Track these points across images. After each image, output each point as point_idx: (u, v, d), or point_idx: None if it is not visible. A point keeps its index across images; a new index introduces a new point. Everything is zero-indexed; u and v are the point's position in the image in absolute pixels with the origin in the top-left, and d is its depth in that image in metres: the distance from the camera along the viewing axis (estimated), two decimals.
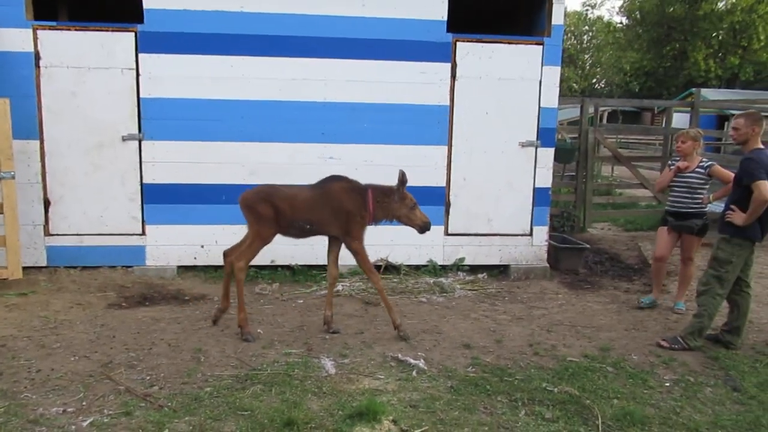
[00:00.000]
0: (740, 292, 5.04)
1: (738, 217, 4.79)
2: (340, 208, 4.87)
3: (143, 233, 6.59)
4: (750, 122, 4.82)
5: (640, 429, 3.64)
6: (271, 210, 4.82)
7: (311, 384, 4.05)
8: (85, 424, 3.49)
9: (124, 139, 6.43)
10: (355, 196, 4.91)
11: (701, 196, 5.80)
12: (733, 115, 21.01)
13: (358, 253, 4.99)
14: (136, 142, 6.45)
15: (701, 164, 5.78)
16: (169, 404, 3.73)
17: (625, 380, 4.33)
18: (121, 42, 6.31)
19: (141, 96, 6.40)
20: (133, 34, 6.31)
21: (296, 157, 6.65)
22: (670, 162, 6.12)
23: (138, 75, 6.37)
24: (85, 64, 6.29)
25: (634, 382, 4.31)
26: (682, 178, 5.83)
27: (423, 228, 4.99)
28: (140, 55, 6.34)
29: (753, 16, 30.45)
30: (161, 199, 6.56)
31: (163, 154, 6.48)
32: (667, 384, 4.33)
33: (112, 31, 6.30)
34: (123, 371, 4.19)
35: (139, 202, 6.55)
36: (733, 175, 5.63)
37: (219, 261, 6.65)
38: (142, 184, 6.52)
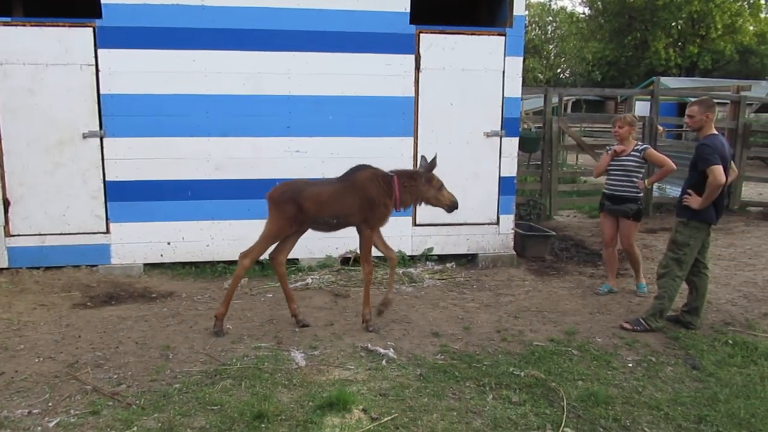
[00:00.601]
0: (698, 273, 5.19)
1: (694, 201, 4.93)
2: (365, 196, 4.87)
3: (107, 231, 6.49)
4: (703, 109, 4.96)
5: (604, 409, 3.73)
6: (294, 210, 4.81)
7: (281, 377, 4.06)
8: (51, 425, 3.45)
9: (84, 136, 6.31)
10: (381, 183, 4.94)
11: (637, 179, 5.89)
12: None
13: (366, 238, 4.98)
14: (98, 139, 6.35)
15: (636, 148, 5.90)
16: (138, 402, 3.70)
17: (589, 362, 4.44)
18: (79, 38, 6.18)
19: (101, 92, 6.29)
20: (91, 29, 6.19)
21: (262, 151, 6.62)
22: (607, 147, 6.28)
23: (98, 71, 6.26)
24: (42, 61, 6.16)
25: (598, 363, 4.42)
26: (618, 161, 5.94)
27: (451, 207, 5.06)
28: (99, 51, 6.23)
29: (710, 6, 31.13)
30: (125, 196, 6.47)
31: (125, 151, 6.39)
32: (630, 365, 4.45)
33: (70, 26, 6.18)
34: (89, 371, 4.14)
35: (103, 200, 6.45)
36: (665, 158, 5.93)
37: (186, 258, 6.65)
38: (104, 182, 6.42)
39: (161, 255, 6.63)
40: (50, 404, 3.68)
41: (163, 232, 6.59)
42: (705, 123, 4.97)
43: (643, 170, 5.99)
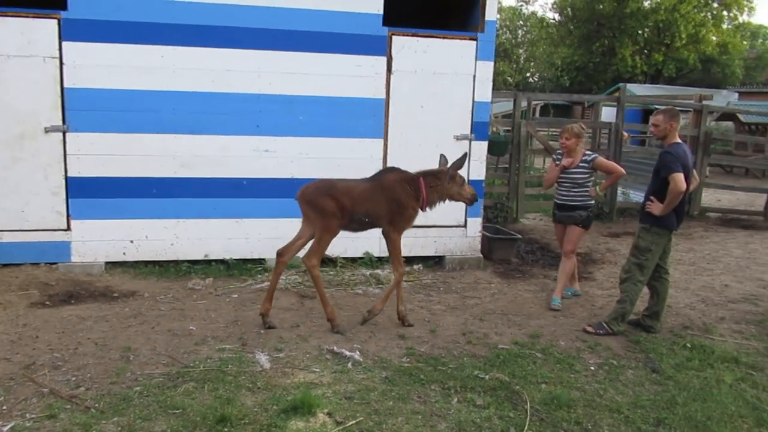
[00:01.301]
0: (659, 278, 5.31)
1: (656, 208, 5.03)
2: (393, 199, 4.95)
3: (68, 228, 6.33)
4: (668, 118, 5.07)
5: (566, 412, 3.79)
6: (334, 204, 4.81)
7: (245, 379, 4.02)
8: (5, 429, 3.35)
9: (47, 130, 6.15)
10: (408, 187, 5.01)
11: (587, 189, 5.84)
12: (657, 109, 22.02)
13: (393, 242, 5.05)
14: (60, 134, 6.19)
15: (584, 158, 5.82)
16: (97, 405, 3.62)
17: (552, 365, 4.50)
18: (42, 29, 6.02)
19: (65, 86, 6.13)
20: (55, 21, 6.03)
21: (230, 149, 6.54)
22: (554, 156, 6.17)
23: (62, 64, 6.09)
24: (3, 52, 5.98)
25: (561, 366, 4.48)
26: (567, 174, 5.86)
27: (472, 201, 5.30)
28: (64, 44, 6.07)
29: (675, 15, 31.85)
30: (87, 193, 6.32)
31: (88, 147, 6.24)
32: (592, 368, 4.52)
33: (33, 17, 6.01)
34: (47, 373, 4.03)
35: (64, 197, 6.29)
36: (614, 164, 6.03)
37: (149, 256, 6.53)
38: (66, 178, 6.26)
39: (124, 253, 6.49)
40: (5, 408, 3.57)
41: (126, 230, 6.46)
42: (669, 131, 5.08)
43: (592, 179, 5.93)
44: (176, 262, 6.60)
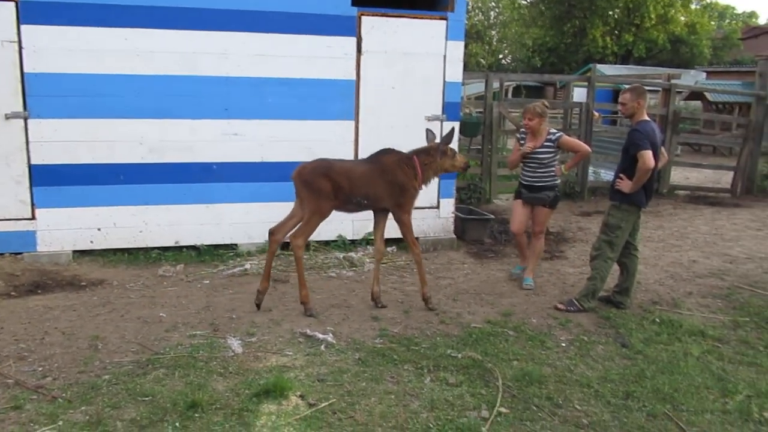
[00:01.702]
0: (629, 255, 5.37)
1: (625, 185, 5.08)
2: (395, 181, 4.94)
3: (33, 217, 6.18)
4: (635, 96, 5.10)
5: (538, 388, 3.83)
6: (330, 185, 4.77)
7: (217, 365, 3.98)
8: None
9: (7, 117, 5.97)
10: (406, 167, 5.00)
11: (553, 168, 5.76)
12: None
13: (405, 224, 5.09)
14: (21, 121, 6.01)
15: (549, 137, 5.71)
16: (64, 395, 3.55)
17: (524, 343, 4.54)
18: None
19: (25, 71, 5.94)
20: (13, 3, 5.82)
21: (198, 133, 6.43)
22: (518, 136, 6.05)
23: (21, 48, 5.90)
24: None
25: (533, 344, 4.53)
26: (532, 153, 5.75)
27: (466, 168, 5.49)
28: (23, 27, 5.87)
29: None
30: (52, 180, 6.17)
31: (52, 133, 6.07)
32: (563, 344, 4.57)
33: None
34: (12, 364, 3.95)
35: (27, 185, 6.12)
36: (579, 142, 5.97)
37: (118, 244, 6.42)
38: (30, 166, 6.09)
39: (91, 242, 6.37)
40: None
41: (93, 218, 6.32)
42: (637, 109, 5.11)
43: (558, 157, 5.84)
44: (146, 250, 6.50)
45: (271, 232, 5.02)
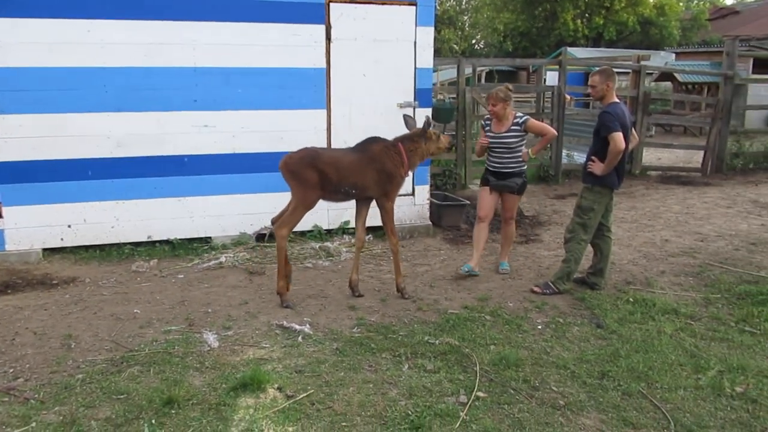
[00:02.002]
0: (602, 236, 5.43)
1: (597, 168, 5.12)
2: (383, 169, 4.92)
3: (0, 216, 6.03)
4: (604, 78, 5.12)
5: (515, 371, 3.86)
6: (316, 175, 4.72)
7: (193, 360, 3.94)
8: None
9: None
10: (394, 155, 4.98)
11: (520, 153, 5.64)
12: None
13: (388, 212, 5.09)
14: None
15: (516, 121, 5.60)
16: (36, 396, 3.49)
17: (501, 327, 4.57)
18: None
19: None
20: None
21: (168, 126, 6.32)
22: (483, 122, 5.86)
23: None
24: None
25: (509, 327, 4.56)
26: (498, 139, 5.63)
27: (450, 148, 5.50)
28: None
29: None
30: (18, 178, 6.02)
31: (15, 129, 5.92)
32: (539, 327, 4.61)
33: None
34: None
35: None
36: (546, 125, 5.91)
37: (89, 240, 6.31)
38: None
39: (62, 239, 6.25)
40: None
41: (62, 215, 6.20)
42: (606, 92, 5.14)
43: (524, 141, 5.70)
44: (118, 245, 6.40)
45: (273, 222, 5.04)
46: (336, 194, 4.95)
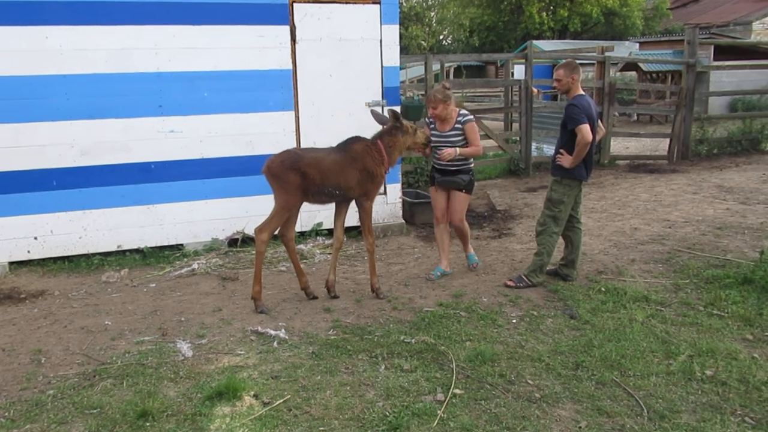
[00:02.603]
0: (572, 228, 5.49)
1: (566, 160, 5.17)
2: (364, 168, 4.91)
3: None
4: (569, 71, 5.18)
5: (491, 366, 3.88)
6: (299, 178, 4.68)
7: (167, 370, 3.89)
8: None
9: None
10: (374, 153, 4.95)
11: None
12: None
13: (367, 211, 5.07)
14: None
15: (459, 119, 5.40)
16: (6, 414, 3.41)
17: (476, 322, 4.59)
18: None
19: None
20: None
21: (133, 132, 6.22)
22: (427, 120, 5.60)
23: None
24: None
25: (484, 323, 4.59)
26: (443, 137, 5.43)
27: (427, 144, 5.33)
28: None
29: None
30: None
31: None
32: (514, 320, 4.65)
33: None
34: None
35: None
36: (478, 140, 5.45)
37: (57, 252, 6.19)
38: None
39: (28, 251, 6.12)
40: None
41: (28, 227, 6.07)
42: (572, 85, 5.19)
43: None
44: (87, 256, 6.29)
45: (281, 234, 5.03)
46: (320, 196, 4.93)
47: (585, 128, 5.01)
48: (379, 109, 6.88)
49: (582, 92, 5.25)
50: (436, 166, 5.64)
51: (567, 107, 5.19)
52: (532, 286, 5.33)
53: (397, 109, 7.06)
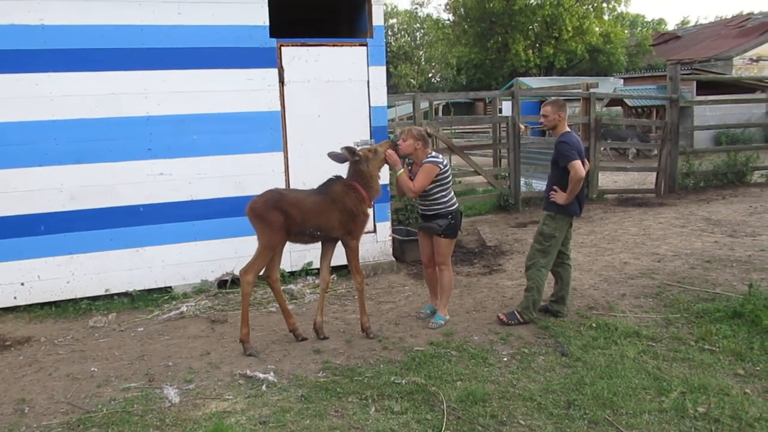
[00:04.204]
0: (562, 264, 5.50)
1: (560, 197, 5.18)
2: (344, 209, 4.92)
3: None
4: (556, 109, 5.25)
5: (482, 407, 3.84)
6: (282, 217, 4.70)
7: (153, 417, 3.82)
8: None
9: None
10: (353, 194, 4.95)
11: (440, 194, 5.23)
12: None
13: (354, 251, 5.06)
14: None
15: (424, 160, 5.17)
16: None
17: (467, 362, 4.55)
18: None
19: None
20: None
21: (122, 176, 6.23)
22: (407, 161, 5.33)
23: None
24: None
25: (475, 362, 4.55)
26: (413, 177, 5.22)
27: (395, 147, 5.17)
28: None
29: (560, 10, 33.48)
30: None
31: None
32: (505, 359, 4.61)
33: None
34: None
35: None
36: (416, 182, 5.13)
37: (44, 298, 6.14)
38: None
39: (15, 297, 6.05)
40: None
41: (14, 273, 6.02)
42: (559, 122, 5.26)
43: (445, 182, 5.24)
44: (75, 301, 6.22)
45: (266, 276, 5.00)
46: (302, 236, 4.94)
47: (577, 164, 5.06)
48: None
49: (568, 129, 5.32)
50: (419, 210, 5.54)
51: (557, 144, 5.24)
52: (525, 323, 5.30)
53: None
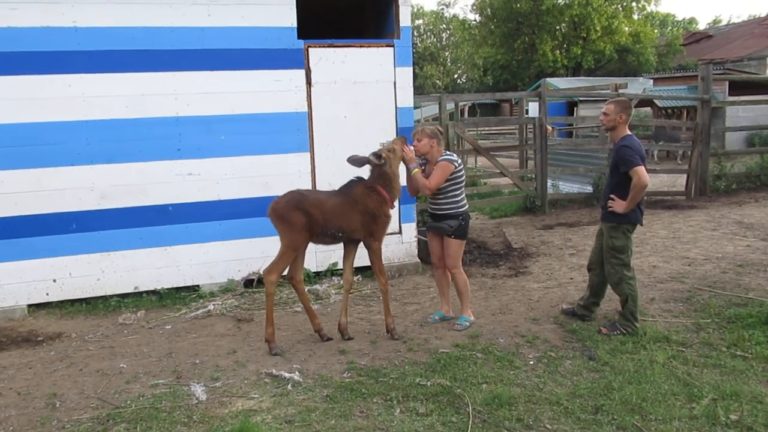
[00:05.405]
0: (600, 274, 5.30)
1: (619, 206, 4.91)
2: (366, 211, 4.92)
3: None
4: (619, 109, 4.97)
5: (508, 410, 3.80)
6: (304, 218, 4.75)
7: (180, 414, 3.87)
8: None
9: None
10: (374, 195, 4.95)
11: (454, 194, 5.22)
12: (581, 100, 22.73)
13: (376, 252, 5.08)
14: None
15: (439, 158, 5.17)
16: None
17: (493, 364, 4.52)
18: None
19: None
20: None
21: (151, 176, 6.33)
22: (420, 161, 5.27)
23: None
24: None
25: (501, 364, 4.51)
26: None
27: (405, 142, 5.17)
28: None
29: (588, 9, 33.12)
30: (2, 234, 5.98)
31: None
32: (531, 362, 4.57)
33: None
34: None
35: None
36: (431, 180, 5.12)
37: (75, 294, 6.25)
38: None
39: (47, 294, 6.18)
40: None
41: (47, 269, 6.15)
42: (619, 123, 4.96)
43: (459, 182, 5.24)
44: (105, 298, 6.33)
45: (290, 277, 5.05)
46: (324, 237, 4.96)
47: (641, 170, 4.77)
48: None
49: (629, 132, 5.03)
50: (429, 210, 5.52)
51: (618, 149, 4.93)
52: (629, 334, 5.03)
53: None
